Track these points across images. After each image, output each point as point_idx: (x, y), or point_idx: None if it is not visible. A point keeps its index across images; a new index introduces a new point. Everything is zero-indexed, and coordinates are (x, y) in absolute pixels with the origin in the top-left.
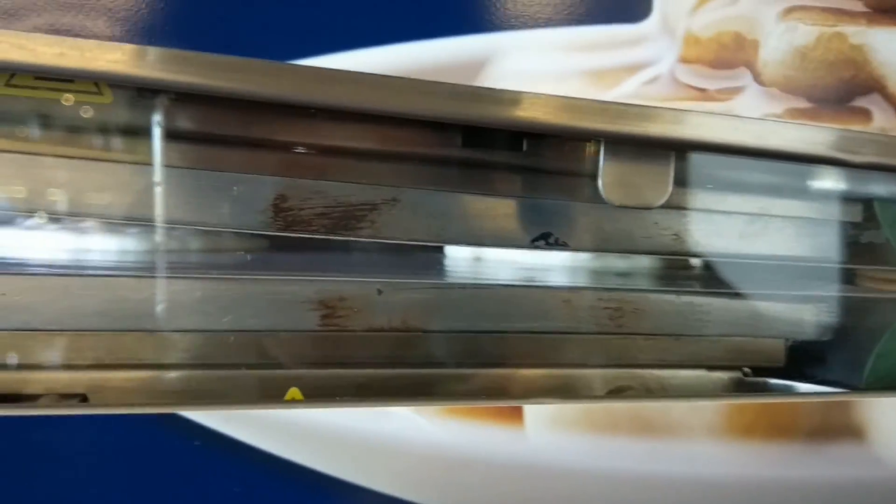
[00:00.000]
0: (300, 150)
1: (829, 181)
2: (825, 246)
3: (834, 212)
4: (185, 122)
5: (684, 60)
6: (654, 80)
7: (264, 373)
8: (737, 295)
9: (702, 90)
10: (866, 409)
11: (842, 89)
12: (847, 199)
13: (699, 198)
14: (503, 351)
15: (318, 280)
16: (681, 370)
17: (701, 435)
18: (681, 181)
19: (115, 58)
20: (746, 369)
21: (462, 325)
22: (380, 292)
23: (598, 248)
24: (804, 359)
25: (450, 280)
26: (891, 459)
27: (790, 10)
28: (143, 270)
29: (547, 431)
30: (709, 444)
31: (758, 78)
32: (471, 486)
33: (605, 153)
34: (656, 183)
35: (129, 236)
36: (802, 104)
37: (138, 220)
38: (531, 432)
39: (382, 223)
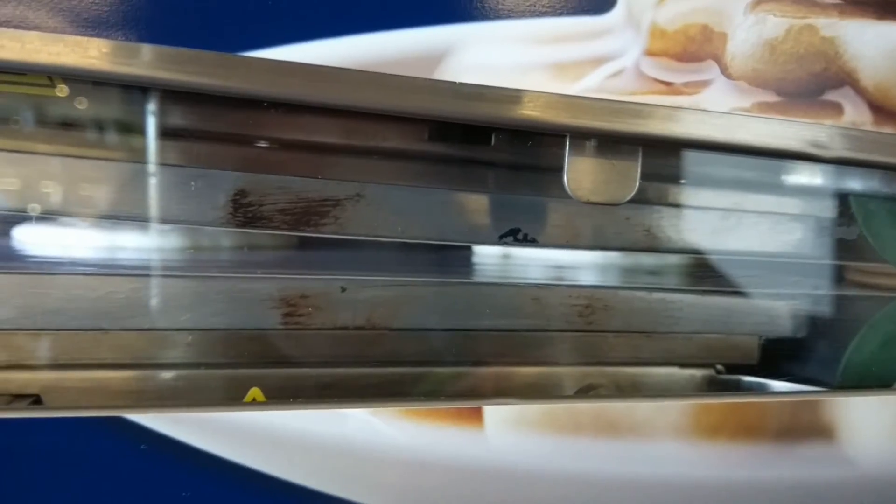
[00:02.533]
0: (261, 143)
1: (804, 176)
2: (800, 242)
3: (809, 207)
4: (140, 116)
5: (650, 53)
6: (618, 73)
7: (224, 372)
8: (710, 291)
9: (668, 84)
10: (836, 408)
11: (812, 83)
12: (822, 194)
13: (671, 193)
14: (470, 349)
15: (280, 277)
16: (652, 367)
17: (667, 435)
18: (652, 176)
19: (57, 50)
20: (719, 366)
21: (428, 323)
22: (343, 290)
23: (568, 244)
24: (778, 356)
25: (415, 277)
26: (861, 459)
27: (760, 2)
28: (99, 268)
29: (508, 432)
30: (675, 444)
31: (725, 71)
32: (430, 489)
33: (570, 149)
34: (623, 179)
35: (85, 232)
36: (771, 98)
37: (93, 216)
38: (491, 433)
39: (346, 219)
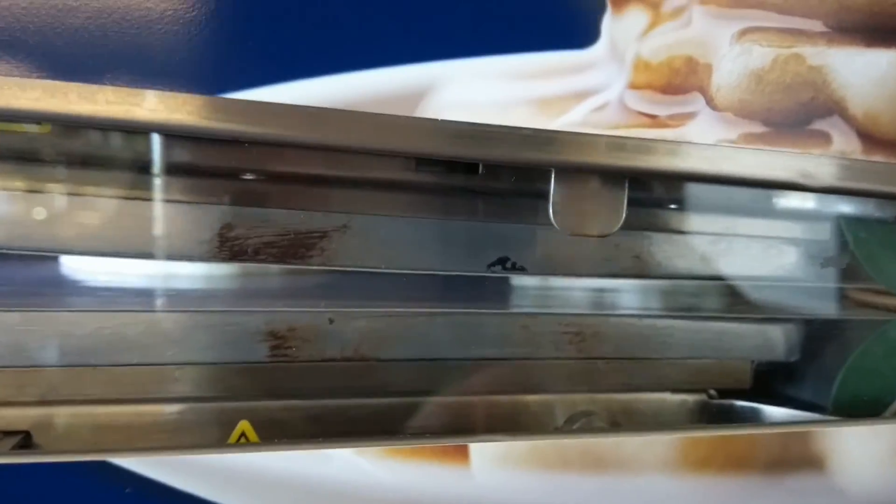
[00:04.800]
0: (246, 177)
1: (794, 200)
2: (792, 265)
3: (800, 230)
4: (127, 152)
5: (634, 86)
6: (602, 107)
7: (213, 406)
8: (702, 317)
9: (652, 117)
10: (827, 438)
11: (800, 112)
12: (813, 218)
13: (661, 218)
14: (460, 379)
15: (268, 311)
16: (644, 393)
17: (655, 468)
18: (641, 202)
19: (35, 95)
20: (712, 391)
21: (417, 354)
22: (331, 321)
23: (557, 271)
24: (771, 380)
25: (402, 308)
26: (853, 489)
27: (745, 32)
28: (86, 305)
29: (493, 468)
30: (663, 478)
31: (711, 103)
32: None
33: (555, 181)
34: (609, 210)
35: (70, 270)
36: (758, 128)
37: (81, 252)
38: (477, 470)
39: (333, 251)
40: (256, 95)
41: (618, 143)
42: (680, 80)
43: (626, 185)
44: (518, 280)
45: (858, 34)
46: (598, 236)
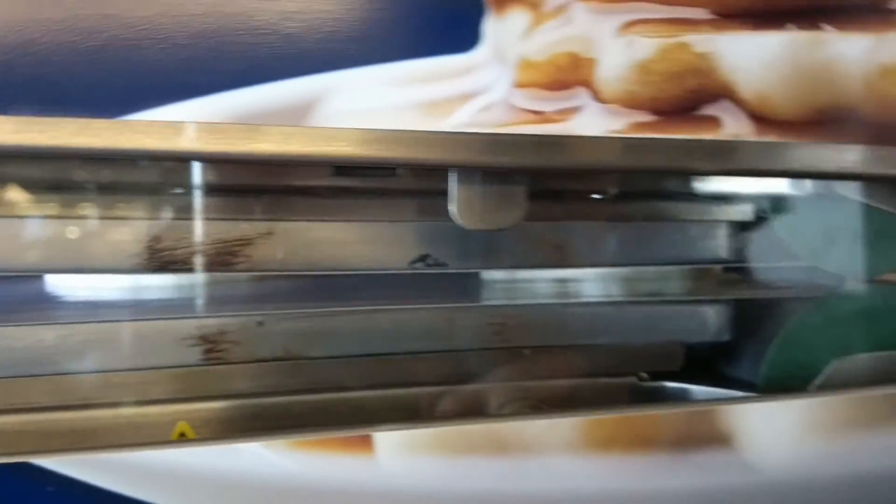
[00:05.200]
0: (173, 191)
1: (714, 184)
2: (717, 248)
3: (722, 213)
4: (54, 172)
5: (520, 85)
6: (488, 107)
7: (151, 409)
8: (630, 301)
9: (539, 113)
10: (733, 414)
11: (687, 99)
12: (735, 199)
13: (578, 207)
14: (388, 373)
15: (199, 316)
16: (571, 380)
17: (560, 449)
18: (559, 192)
19: None
20: (643, 374)
21: (346, 351)
22: (260, 324)
23: (478, 265)
24: (702, 361)
25: (329, 307)
26: (762, 464)
27: (628, 25)
28: (23, 317)
29: (398, 456)
30: (568, 459)
31: (597, 96)
32: None
33: (457, 180)
34: (510, 205)
35: (8, 285)
36: (646, 118)
37: (18, 271)
38: (382, 458)
39: (258, 257)
40: (152, 115)
41: (506, 141)
42: (564, 77)
43: (526, 179)
44: (445, 276)
45: (747, 18)
46: (500, 230)
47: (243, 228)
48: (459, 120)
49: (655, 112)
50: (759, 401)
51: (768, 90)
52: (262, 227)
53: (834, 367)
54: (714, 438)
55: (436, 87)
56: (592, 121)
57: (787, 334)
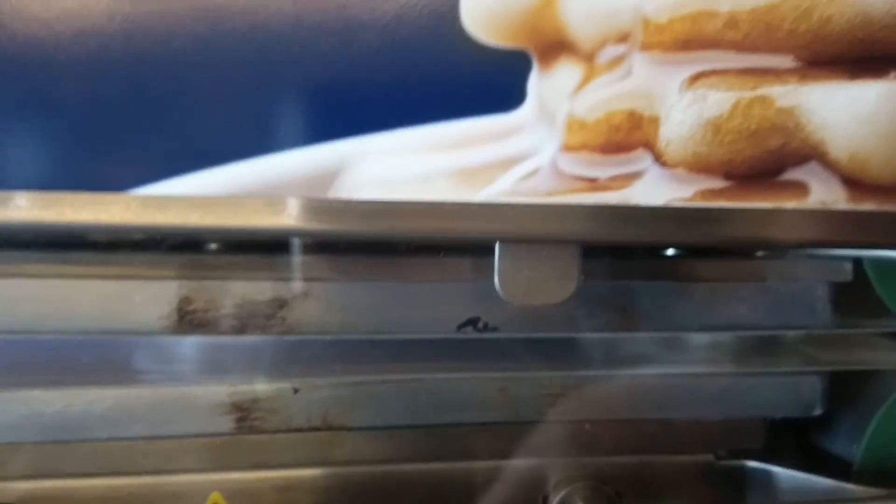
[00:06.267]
0: (207, 247)
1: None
2: (808, 311)
3: (816, 272)
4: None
5: (568, 148)
6: (532, 173)
7: (182, 478)
8: (709, 373)
9: (591, 180)
10: None
11: (768, 161)
12: (824, 256)
13: (647, 266)
14: (435, 445)
15: (231, 382)
16: (643, 456)
17: None
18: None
19: None
20: (721, 452)
21: (388, 421)
22: (296, 391)
23: (532, 330)
24: (787, 440)
25: (370, 375)
26: None
27: (697, 77)
28: (53, 383)
29: None
30: None
31: (660, 159)
32: None
33: (499, 253)
34: (560, 279)
35: (35, 349)
36: (718, 183)
37: (39, 334)
38: None
39: (294, 319)
40: (165, 188)
41: (559, 210)
42: (621, 138)
43: (578, 250)
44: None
45: (839, 66)
46: (550, 304)
47: (278, 289)
48: (499, 189)
49: (729, 177)
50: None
51: (865, 150)
52: (297, 287)
53: None
54: None
55: (471, 152)
56: (654, 188)
57: (889, 409)
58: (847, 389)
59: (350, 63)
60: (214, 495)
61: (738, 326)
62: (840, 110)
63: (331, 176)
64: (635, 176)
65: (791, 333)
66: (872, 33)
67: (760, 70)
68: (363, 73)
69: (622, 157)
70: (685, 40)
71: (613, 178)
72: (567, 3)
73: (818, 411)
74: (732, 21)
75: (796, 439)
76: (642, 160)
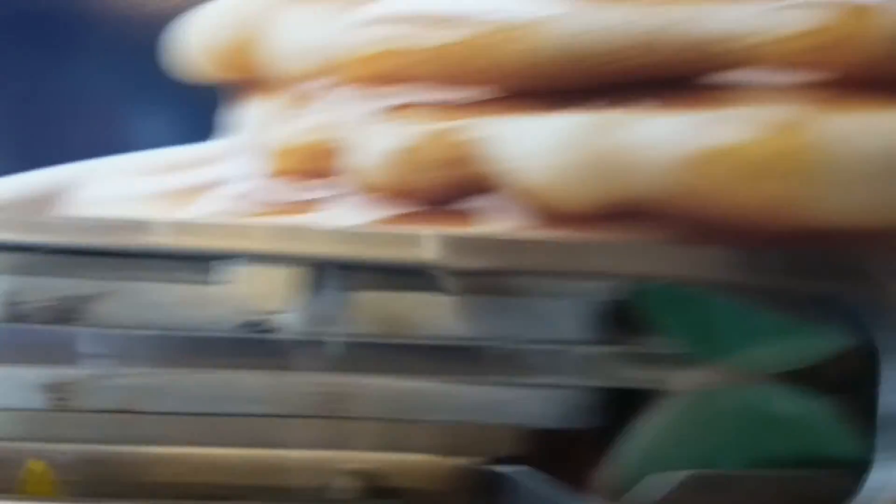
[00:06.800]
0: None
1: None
2: (577, 326)
3: (591, 289)
4: None
5: (269, 174)
6: (231, 197)
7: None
8: (476, 381)
9: (288, 204)
10: None
11: (453, 189)
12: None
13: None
14: (214, 433)
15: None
16: (408, 455)
17: None
18: None
19: None
20: (483, 457)
21: (182, 407)
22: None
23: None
24: (549, 448)
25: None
26: None
27: (392, 110)
28: None
29: None
30: None
31: (353, 186)
32: None
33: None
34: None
35: None
36: (408, 209)
37: None
38: None
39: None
40: None
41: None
42: (318, 165)
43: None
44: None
45: (538, 99)
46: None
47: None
48: (200, 211)
49: (419, 203)
50: None
51: (553, 180)
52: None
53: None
54: None
55: (179, 176)
56: (348, 212)
57: (642, 433)
58: (625, 405)
59: (64, 91)
60: (34, 464)
61: (500, 339)
62: (531, 140)
63: (57, 195)
64: (329, 200)
65: (556, 348)
66: (573, 64)
67: (454, 104)
68: (77, 100)
69: (317, 182)
70: (384, 75)
71: (308, 203)
72: (270, 39)
73: (584, 424)
74: (432, 56)
75: (568, 451)
76: (337, 186)
